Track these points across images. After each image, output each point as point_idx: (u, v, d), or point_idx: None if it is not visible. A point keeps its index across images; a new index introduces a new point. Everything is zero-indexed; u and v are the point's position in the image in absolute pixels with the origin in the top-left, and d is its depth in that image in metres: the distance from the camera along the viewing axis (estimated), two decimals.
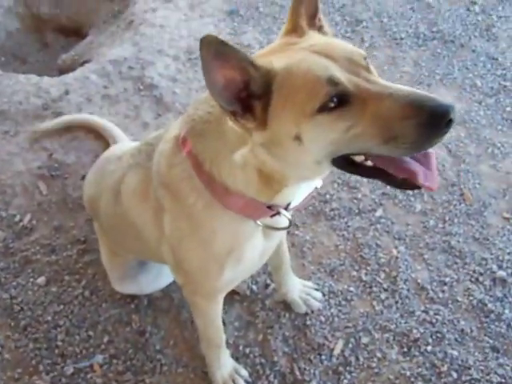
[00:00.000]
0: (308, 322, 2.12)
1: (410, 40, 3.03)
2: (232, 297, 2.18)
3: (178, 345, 2.09)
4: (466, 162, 2.56)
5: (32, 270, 2.27)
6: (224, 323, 2.10)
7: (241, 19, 3.14)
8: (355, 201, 2.43)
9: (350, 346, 2.07)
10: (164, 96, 2.76)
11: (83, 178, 2.28)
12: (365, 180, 2.47)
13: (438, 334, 2.09)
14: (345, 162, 1.18)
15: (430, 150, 1.16)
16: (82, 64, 2.87)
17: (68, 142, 2.60)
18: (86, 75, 2.82)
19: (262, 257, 1.61)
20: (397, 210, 2.40)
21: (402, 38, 3.03)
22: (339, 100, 1.09)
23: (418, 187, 1.16)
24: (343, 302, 2.17)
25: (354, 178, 2.48)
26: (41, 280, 2.23)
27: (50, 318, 2.16)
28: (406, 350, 2.06)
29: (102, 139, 2.55)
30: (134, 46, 2.95)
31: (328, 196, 2.44)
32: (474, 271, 2.25)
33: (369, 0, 3.23)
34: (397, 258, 2.27)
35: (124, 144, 2.25)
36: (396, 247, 2.30)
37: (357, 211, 2.40)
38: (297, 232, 2.34)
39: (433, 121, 1.04)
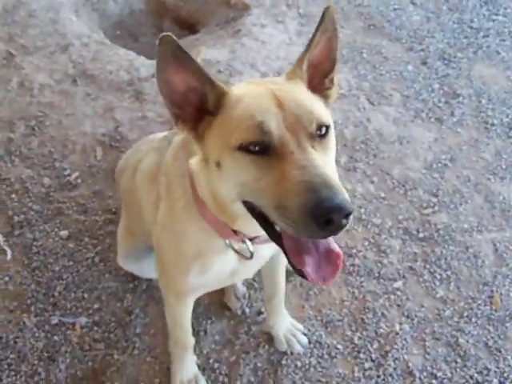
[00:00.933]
0: (283, 362, 2.09)
1: (501, 129, 2.92)
2: (223, 311, 2.21)
3: (156, 336, 2.14)
4: (509, 266, 2.41)
5: (60, 221, 2.42)
6: (205, 332, 2.14)
7: (341, 58, 3.17)
8: (379, 264, 2.37)
9: None
10: None
11: None
12: (397, 248, 2.41)
13: None
14: (257, 212, 1.18)
15: (337, 250, 1.16)
16: None
17: (137, 119, 2.76)
18: None
19: (234, 275, 1.62)
20: (417, 289, 2.31)
21: (492, 124, 2.92)
22: (262, 148, 1.11)
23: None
24: (326, 356, 2.12)
25: (387, 242, 2.43)
26: (63, 233, 2.38)
27: (57, 269, 2.29)
28: None
29: (169, 125, 2.67)
30: (230, 52, 3.07)
31: (354, 251, 2.40)
32: (472, 377, 2.11)
33: (475, 78, 3.16)
34: (397, 334, 2.18)
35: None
36: (400, 323, 2.21)
37: (376, 275, 2.34)
38: None
39: (315, 211, 1.01)
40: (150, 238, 1.79)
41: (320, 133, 1.16)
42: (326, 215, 1.00)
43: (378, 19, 3.47)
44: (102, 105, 2.81)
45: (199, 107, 1.22)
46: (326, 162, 1.13)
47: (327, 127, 1.18)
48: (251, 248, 1.42)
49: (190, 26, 3.45)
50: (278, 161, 1.10)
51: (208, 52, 3.05)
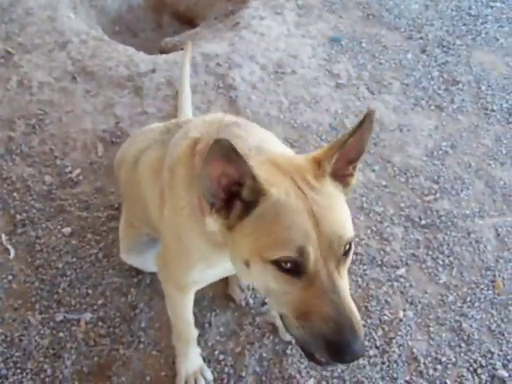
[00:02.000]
0: (288, 351, 2.10)
1: (501, 114, 2.91)
2: (227, 303, 2.22)
3: (161, 329, 2.15)
4: (511, 250, 2.41)
5: (63, 219, 2.42)
6: (210, 324, 2.15)
7: (340, 48, 3.17)
8: (382, 252, 2.37)
9: None
10: (239, 99, 2.85)
11: None
12: (399, 235, 2.42)
13: None
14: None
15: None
16: (181, 49, 3.02)
17: (137, 115, 2.76)
18: (176, 60, 2.98)
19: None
20: (420, 275, 2.32)
21: (493, 110, 2.92)
22: (294, 268, 1.14)
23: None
24: None
25: (390, 230, 2.43)
26: (66, 230, 2.38)
27: (60, 266, 2.30)
28: None
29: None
30: (229, 45, 3.07)
31: (357, 239, 2.40)
32: (475, 361, 2.12)
33: (474, 64, 3.15)
34: (401, 320, 2.19)
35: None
36: (404, 310, 2.22)
37: (379, 263, 2.34)
38: None
39: (331, 346, 1.10)
40: (153, 228, 1.81)
41: (346, 250, 1.19)
42: (340, 355, 1.09)
43: (377, 8, 3.46)
44: (101, 101, 2.81)
45: (230, 190, 1.20)
46: (347, 284, 1.20)
47: (351, 243, 1.21)
48: None
49: (188, 20, 3.45)
50: (307, 284, 1.14)
51: (207, 46, 3.05)
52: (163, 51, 3.17)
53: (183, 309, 1.85)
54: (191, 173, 1.42)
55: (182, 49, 2.98)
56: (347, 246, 1.19)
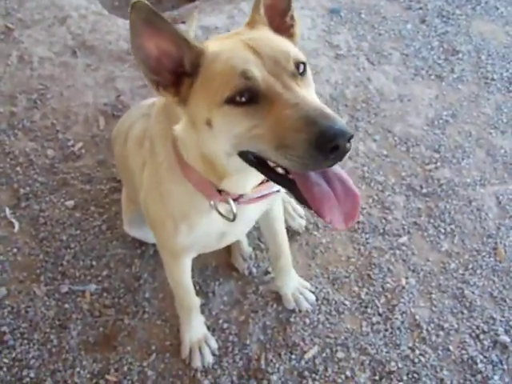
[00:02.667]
0: (292, 319, 2.13)
1: (501, 83, 2.90)
2: (230, 272, 2.25)
3: (165, 299, 2.18)
4: None
5: (66, 192, 2.44)
6: (214, 294, 2.18)
7: (339, 19, 3.15)
8: (384, 221, 2.39)
9: (324, 355, 2.05)
10: None
11: None
12: (401, 204, 2.43)
13: (415, 375, 2.02)
14: (255, 161, 1.19)
15: (355, 190, 1.19)
16: (182, 23, 3.00)
17: (138, 88, 2.76)
18: None
19: (222, 237, 1.66)
20: (422, 243, 2.33)
21: (493, 79, 2.91)
22: (249, 97, 1.12)
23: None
24: (333, 313, 2.15)
25: (391, 198, 2.44)
26: (69, 203, 2.40)
27: (64, 238, 2.32)
28: (377, 378, 2.01)
29: None
30: (228, 18, 3.06)
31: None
32: (478, 327, 2.14)
33: (474, 34, 3.13)
34: (403, 288, 2.21)
35: None
36: (406, 278, 2.24)
37: (381, 231, 2.36)
38: (315, 232, 2.34)
39: (319, 141, 1.03)
40: (136, 201, 1.83)
41: (299, 71, 1.17)
42: (331, 143, 1.02)
43: None
44: (102, 75, 2.81)
45: (176, 71, 1.21)
46: (313, 97, 1.16)
47: (304, 64, 1.19)
48: (234, 209, 1.43)
49: None
50: (269, 105, 1.11)
51: (206, 19, 3.03)
52: None
53: (180, 275, 1.88)
54: (164, 126, 1.45)
55: (182, 22, 2.97)
56: (301, 66, 1.18)
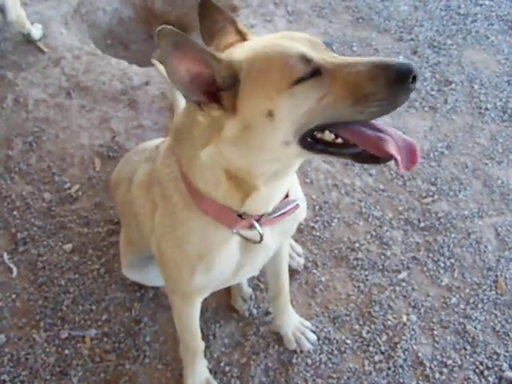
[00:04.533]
0: (294, 360, 2.11)
1: (495, 113, 2.92)
2: (231, 314, 2.23)
3: (166, 343, 2.16)
4: (511, 250, 2.44)
5: (63, 235, 2.43)
6: (215, 336, 2.16)
7: None
8: (382, 257, 2.38)
9: None
10: None
11: None
12: (399, 239, 2.42)
13: None
14: (313, 142, 1.23)
15: (406, 137, 1.24)
16: None
17: (134, 128, 2.77)
18: None
19: (238, 271, 1.64)
20: (422, 278, 2.33)
21: (487, 109, 2.93)
22: (311, 74, 1.17)
23: (382, 161, 1.23)
24: (335, 352, 2.14)
25: (389, 234, 2.44)
26: (67, 247, 2.39)
27: (63, 283, 2.30)
28: None
29: (167, 133, 2.67)
30: None
31: (357, 245, 2.41)
32: (482, 363, 2.13)
33: (466, 64, 3.15)
34: (405, 324, 2.20)
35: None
36: (408, 314, 2.23)
37: (381, 267, 2.35)
38: (314, 271, 2.33)
39: (399, 77, 1.14)
40: (149, 247, 1.79)
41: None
42: (410, 74, 1.13)
43: (366, 11, 3.47)
44: (97, 116, 2.82)
45: (211, 88, 1.22)
46: None
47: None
48: (260, 229, 1.44)
49: (180, 30, 3.43)
50: (331, 74, 1.18)
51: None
52: None
53: (190, 319, 1.87)
54: (175, 169, 1.45)
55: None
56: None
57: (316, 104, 1.18)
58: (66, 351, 2.14)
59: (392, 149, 1.19)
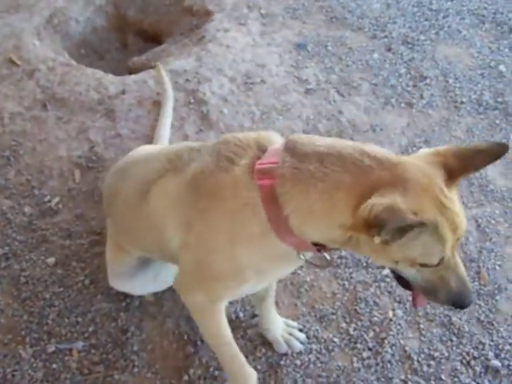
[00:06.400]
0: (282, 362, 2.11)
1: (471, 106, 2.96)
2: None
3: (154, 351, 2.15)
4: (492, 240, 2.46)
5: (46, 249, 2.40)
6: (202, 341, 2.15)
7: (306, 54, 3.19)
8: None
9: None
10: (211, 113, 2.85)
11: None
12: None
13: None
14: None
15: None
16: (150, 68, 3.02)
17: (111, 138, 2.76)
18: (145, 79, 2.99)
19: None
20: None
21: (462, 102, 2.97)
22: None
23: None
24: (324, 351, 2.15)
25: None
26: (50, 260, 2.37)
27: (48, 297, 2.28)
28: None
29: (145, 141, 2.69)
30: (197, 60, 3.08)
31: None
32: (468, 353, 2.15)
33: (440, 58, 3.19)
34: (391, 320, 2.22)
35: (149, 147, 2.32)
36: (393, 309, 2.25)
37: (364, 265, 2.36)
38: (299, 271, 2.34)
39: (455, 304, 1.45)
40: (167, 255, 1.80)
41: None
42: (459, 307, 1.48)
43: (339, 11, 3.49)
44: (74, 127, 2.80)
45: None
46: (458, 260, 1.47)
47: None
48: (328, 256, 1.59)
49: (153, 38, 3.43)
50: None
51: (175, 63, 3.06)
52: (131, 71, 3.17)
53: (221, 325, 1.78)
54: (254, 195, 1.44)
55: (151, 67, 2.99)
56: None
57: (416, 275, 1.42)
58: (54, 365, 2.11)
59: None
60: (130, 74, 3.14)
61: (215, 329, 1.81)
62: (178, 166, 1.67)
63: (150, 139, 2.70)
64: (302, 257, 1.51)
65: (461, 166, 1.36)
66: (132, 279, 2.14)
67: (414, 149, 2.75)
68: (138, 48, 3.43)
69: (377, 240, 1.26)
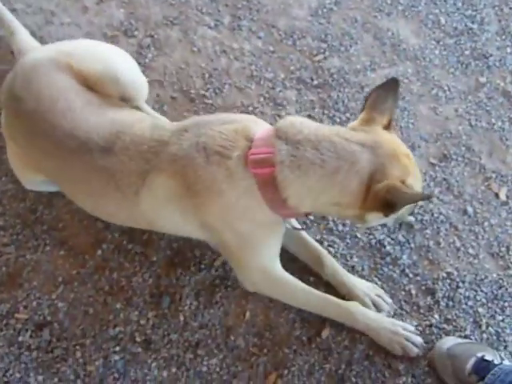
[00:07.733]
0: None
1: None
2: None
3: (66, 229, 2.11)
4: (405, 99, 2.46)
5: None
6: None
7: None
8: (277, 118, 2.32)
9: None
10: None
11: None
12: (293, 99, 2.40)
13: None
14: None
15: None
16: None
17: None
18: None
19: None
20: None
21: None
22: None
23: None
24: None
25: (283, 94, 2.41)
26: None
27: None
28: None
29: None
30: None
31: (251, 108, 2.37)
32: None
33: None
34: None
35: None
36: None
37: None
38: None
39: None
40: (127, 220, 1.91)
41: None
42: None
43: None
44: None
45: None
46: None
47: None
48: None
49: None
50: None
51: None
52: None
53: (289, 281, 1.88)
54: (251, 183, 1.58)
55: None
56: None
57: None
58: None
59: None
60: None
61: (292, 287, 1.90)
62: (158, 165, 1.67)
63: None
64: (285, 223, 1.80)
65: (383, 114, 1.61)
66: (46, 185, 2.06)
67: (325, 10, 2.66)
68: None
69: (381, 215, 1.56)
